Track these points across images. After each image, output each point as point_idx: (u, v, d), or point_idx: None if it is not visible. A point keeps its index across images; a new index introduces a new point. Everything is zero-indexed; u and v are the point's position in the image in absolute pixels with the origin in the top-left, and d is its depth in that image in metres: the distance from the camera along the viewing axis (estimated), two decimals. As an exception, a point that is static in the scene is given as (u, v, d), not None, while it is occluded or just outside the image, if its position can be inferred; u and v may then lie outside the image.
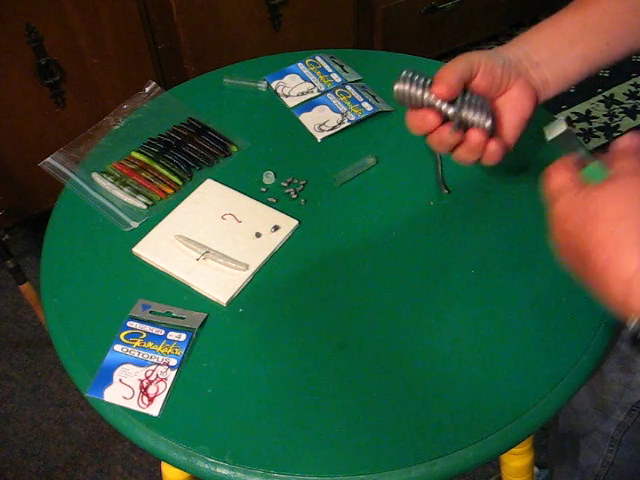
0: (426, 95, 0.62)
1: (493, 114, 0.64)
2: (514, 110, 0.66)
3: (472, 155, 0.65)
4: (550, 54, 0.67)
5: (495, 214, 0.77)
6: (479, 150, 0.64)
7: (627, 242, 0.45)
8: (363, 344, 0.66)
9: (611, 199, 0.47)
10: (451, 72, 0.62)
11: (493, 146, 0.64)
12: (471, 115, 0.62)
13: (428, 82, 0.63)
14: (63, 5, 1.32)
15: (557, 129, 0.55)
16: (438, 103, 0.63)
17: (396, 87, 0.63)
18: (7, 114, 1.39)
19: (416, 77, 0.63)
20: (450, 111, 0.63)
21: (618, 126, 1.95)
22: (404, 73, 0.63)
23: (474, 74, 0.63)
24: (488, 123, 0.63)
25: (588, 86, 2.04)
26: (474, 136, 0.63)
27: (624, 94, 2.05)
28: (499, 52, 0.67)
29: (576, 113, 1.99)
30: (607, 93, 2.06)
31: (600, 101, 2.03)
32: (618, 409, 0.88)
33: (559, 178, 0.52)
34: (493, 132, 0.64)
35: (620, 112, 1.99)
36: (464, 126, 0.63)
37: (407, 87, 0.63)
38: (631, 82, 2.09)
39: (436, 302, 0.70)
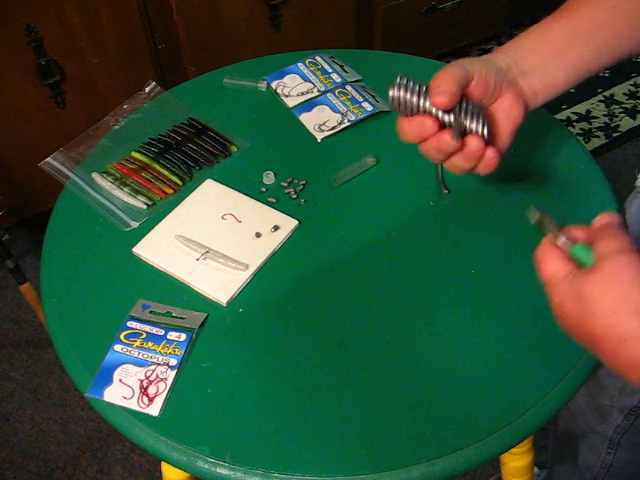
0: (422, 102, 0.61)
1: (489, 122, 0.63)
2: (506, 119, 0.65)
3: (469, 162, 0.64)
4: (538, 63, 0.66)
5: (495, 214, 0.77)
6: (476, 157, 0.63)
7: (629, 333, 0.46)
8: (363, 344, 0.66)
9: (601, 291, 0.48)
10: (450, 80, 0.60)
11: (490, 153, 0.63)
12: (469, 122, 0.61)
13: (423, 88, 0.62)
14: (63, 5, 1.32)
15: (533, 216, 0.57)
16: (434, 110, 0.61)
17: (391, 94, 0.62)
18: (7, 114, 1.39)
19: (411, 83, 0.62)
20: (448, 118, 0.61)
21: (618, 126, 1.95)
22: (398, 79, 0.62)
23: (469, 81, 0.62)
24: (486, 131, 0.62)
25: (588, 86, 2.04)
26: (474, 143, 0.62)
27: (624, 94, 2.05)
28: (490, 60, 0.65)
29: (576, 113, 1.99)
30: (607, 93, 2.06)
31: (600, 101, 2.03)
32: (615, 412, 0.88)
33: (551, 265, 0.53)
34: (489, 140, 0.64)
35: (620, 112, 1.99)
36: (462, 133, 0.63)
37: (402, 94, 0.61)
38: (631, 82, 2.09)
39: (436, 302, 0.70)
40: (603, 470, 0.96)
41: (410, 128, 0.63)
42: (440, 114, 0.61)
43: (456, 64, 0.62)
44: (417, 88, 0.61)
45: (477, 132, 0.62)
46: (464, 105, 0.62)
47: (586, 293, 0.49)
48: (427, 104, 0.61)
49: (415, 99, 0.61)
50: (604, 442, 0.93)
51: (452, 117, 0.61)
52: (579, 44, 0.66)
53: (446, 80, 0.60)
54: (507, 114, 0.65)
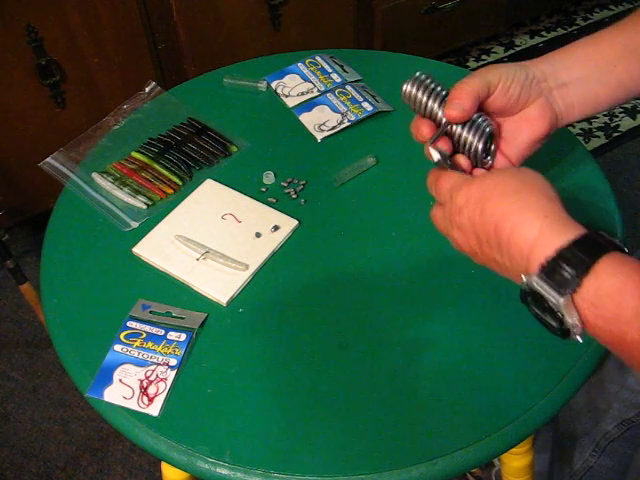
0: (430, 103, 0.59)
1: (493, 139, 0.61)
2: (527, 130, 0.62)
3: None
4: (583, 74, 0.62)
5: (495, 214, 0.77)
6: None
7: (528, 207, 0.50)
8: (363, 344, 0.66)
9: (502, 180, 0.53)
10: (468, 94, 0.58)
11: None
12: (470, 137, 0.60)
13: (439, 89, 0.59)
14: (63, 5, 1.32)
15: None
16: (440, 114, 0.59)
17: (404, 88, 0.60)
18: (7, 114, 1.39)
19: (428, 81, 0.59)
20: (450, 128, 0.60)
21: (618, 126, 1.95)
22: (417, 74, 0.59)
23: (490, 93, 0.60)
24: (480, 147, 0.60)
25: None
26: (461, 164, 0.61)
27: (624, 94, 2.05)
28: (525, 66, 0.62)
29: (576, 113, 1.99)
30: (607, 93, 2.05)
31: (600, 101, 2.03)
32: (608, 419, 0.89)
33: (451, 178, 0.57)
34: (490, 156, 0.62)
35: (620, 112, 1.99)
36: (460, 144, 0.61)
37: (414, 90, 0.59)
38: (631, 82, 2.09)
39: (436, 302, 0.70)
40: (583, 470, 0.96)
41: (412, 128, 0.62)
42: (444, 121, 0.59)
43: (480, 74, 0.60)
44: (432, 88, 0.59)
45: (473, 149, 0.60)
46: (473, 118, 0.60)
47: (487, 185, 0.53)
48: (435, 107, 0.59)
49: (425, 99, 0.59)
50: (590, 445, 0.93)
51: (454, 128, 0.60)
52: (630, 60, 0.62)
53: (464, 94, 0.58)
54: (529, 125, 0.62)
